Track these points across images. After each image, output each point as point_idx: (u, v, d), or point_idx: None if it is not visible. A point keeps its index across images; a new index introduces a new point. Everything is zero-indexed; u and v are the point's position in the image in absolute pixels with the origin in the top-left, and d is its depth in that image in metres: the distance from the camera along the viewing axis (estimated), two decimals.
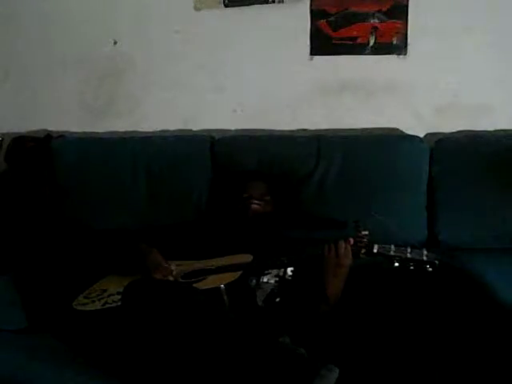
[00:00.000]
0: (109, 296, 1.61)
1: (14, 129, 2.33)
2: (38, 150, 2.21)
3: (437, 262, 1.41)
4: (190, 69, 2.25)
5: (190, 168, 2.09)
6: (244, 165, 2.04)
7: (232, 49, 2.20)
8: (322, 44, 2.15)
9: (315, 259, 1.55)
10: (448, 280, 1.64)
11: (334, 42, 2.14)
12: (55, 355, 1.57)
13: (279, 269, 1.67)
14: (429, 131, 2.13)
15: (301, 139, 2.11)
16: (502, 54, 2.08)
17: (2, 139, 2.29)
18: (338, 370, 1.27)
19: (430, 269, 1.42)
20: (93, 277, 1.74)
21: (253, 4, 2.14)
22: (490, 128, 2.11)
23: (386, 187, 1.96)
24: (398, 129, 2.16)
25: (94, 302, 1.61)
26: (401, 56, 2.13)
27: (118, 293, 1.55)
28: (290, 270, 1.67)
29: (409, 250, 1.45)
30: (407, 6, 2.08)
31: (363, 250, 1.51)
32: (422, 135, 2.09)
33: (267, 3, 2.13)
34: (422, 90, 2.14)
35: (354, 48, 2.14)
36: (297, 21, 2.14)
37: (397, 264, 1.45)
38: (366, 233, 1.53)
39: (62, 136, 2.27)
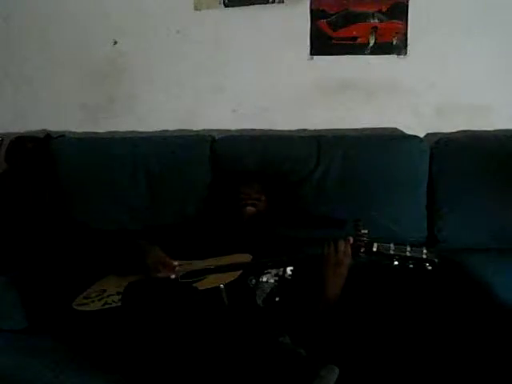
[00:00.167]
0: (108, 296, 1.61)
1: (14, 129, 2.33)
2: (37, 150, 2.21)
3: (436, 260, 1.41)
4: (190, 69, 2.25)
5: (190, 168, 2.09)
6: (244, 165, 2.04)
7: (232, 49, 2.21)
8: (321, 44, 2.15)
9: (315, 258, 1.56)
10: (447, 279, 1.64)
11: (333, 41, 2.14)
12: (55, 355, 1.57)
13: (279, 268, 1.67)
14: (429, 131, 2.13)
15: (301, 139, 2.11)
16: (502, 54, 2.08)
17: (2, 139, 2.29)
18: (337, 370, 1.27)
19: (430, 267, 1.42)
20: (92, 277, 1.74)
21: (253, 4, 2.14)
22: (490, 128, 2.11)
23: (385, 187, 1.96)
24: (397, 129, 2.16)
25: (93, 302, 1.61)
26: (401, 56, 2.12)
27: (118, 293, 1.55)
28: (289, 269, 1.67)
29: (408, 248, 1.45)
30: (407, 6, 2.08)
31: (363, 249, 1.51)
32: (422, 135, 2.09)
33: (267, 3, 2.13)
34: (421, 90, 2.14)
35: (354, 48, 2.14)
36: (297, 21, 2.14)
37: (396, 263, 1.45)
38: (366, 232, 1.53)
39: (62, 136, 2.27)
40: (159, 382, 1.39)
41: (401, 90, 2.15)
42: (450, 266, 1.69)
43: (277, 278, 1.65)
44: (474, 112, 2.13)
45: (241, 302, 1.56)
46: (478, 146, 2.00)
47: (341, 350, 1.42)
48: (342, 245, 1.51)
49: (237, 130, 2.25)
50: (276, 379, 1.26)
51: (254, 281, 1.64)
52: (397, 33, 2.10)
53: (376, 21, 2.11)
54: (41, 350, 1.61)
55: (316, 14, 2.13)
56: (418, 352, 1.44)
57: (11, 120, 2.37)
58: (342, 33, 2.14)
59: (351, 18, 2.12)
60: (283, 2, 2.13)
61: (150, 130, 2.30)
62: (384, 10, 2.10)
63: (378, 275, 1.65)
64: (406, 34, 2.10)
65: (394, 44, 2.12)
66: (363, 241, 1.52)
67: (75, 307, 1.61)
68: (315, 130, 2.20)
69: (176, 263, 1.63)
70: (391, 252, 1.46)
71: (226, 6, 2.16)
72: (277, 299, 1.61)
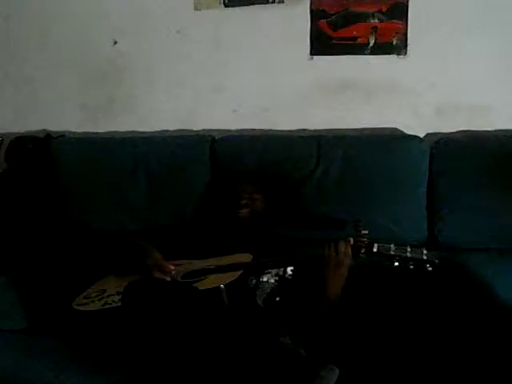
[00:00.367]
0: (108, 296, 1.61)
1: (14, 129, 2.33)
2: (37, 150, 2.21)
3: (437, 261, 1.41)
4: (189, 69, 2.25)
5: (190, 168, 2.09)
6: (244, 165, 2.04)
7: (232, 49, 2.20)
8: (321, 44, 2.15)
9: (315, 259, 1.55)
10: (448, 279, 1.64)
11: (334, 41, 2.14)
12: (55, 355, 1.57)
13: (279, 268, 1.67)
14: (429, 131, 2.13)
15: (301, 139, 2.11)
16: (502, 54, 2.08)
17: (2, 139, 2.29)
18: (337, 371, 1.27)
19: (430, 268, 1.42)
20: (92, 277, 1.74)
21: (253, 4, 2.14)
22: (490, 128, 2.11)
23: (385, 187, 1.96)
24: (397, 129, 2.16)
25: (93, 302, 1.61)
26: (401, 56, 2.12)
27: (118, 293, 1.56)
28: (289, 269, 1.67)
29: (409, 249, 1.45)
30: (407, 6, 2.07)
31: (363, 250, 1.51)
32: (422, 135, 2.08)
33: (267, 3, 2.13)
34: (421, 90, 2.14)
35: (354, 48, 2.14)
36: (297, 21, 2.14)
37: (397, 263, 1.45)
38: (366, 232, 1.53)
39: (62, 136, 2.27)
40: (159, 381, 1.39)
41: (401, 90, 2.15)
42: (451, 267, 1.69)
43: (277, 278, 1.65)
44: (474, 112, 2.13)
45: (241, 301, 1.56)
46: (478, 145, 1.99)
47: (341, 351, 1.42)
48: (342, 245, 1.51)
49: (237, 130, 2.25)
50: (276, 379, 1.26)
51: (254, 281, 1.64)
52: (397, 33, 2.10)
53: (376, 21, 2.11)
54: (41, 349, 1.61)
55: (316, 14, 2.13)
56: (418, 352, 1.44)
57: (11, 120, 2.37)
58: (342, 33, 2.13)
59: (351, 18, 2.12)
60: (283, 2, 2.13)
61: (150, 130, 2.30)
62: (384, 10, 2.09)
63: (379, 276, 1.65)
64: (406, 34, 2.10)
65: (394, 44, 2.11)
66: (363, 241, 1.52)
67: (75, 307, 1.61)
68: (315, 130, 2.20)
69: (172, 267, 1.62)
70: (391, 253, 1.46)
71: (226, 5, 2.16)
72: (277, 299, 1.61)
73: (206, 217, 2.01)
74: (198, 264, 1.67)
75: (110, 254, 1.74)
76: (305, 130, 2.22)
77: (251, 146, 2.08)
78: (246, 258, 1.66)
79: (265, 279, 1.65)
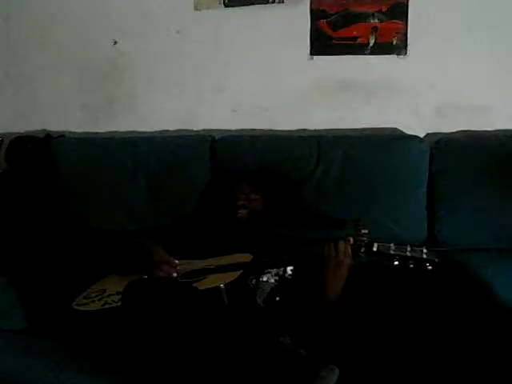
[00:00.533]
0: (108, 296, 1.61)
1: (14, 129, 2.33)
2: (37, 150, 2.21)
3: (437, 260, 1.41)
4: (190, 69, 2.25)
5: (190, 168, 2.09)
6: (244, 165, 2.04)
7: (232, 49, 2.20)
8: (321, 44, 2.15)
9: (315, 258, 1.55)
10: (448, 279, 1.64)
11: (334, 41, 2.14)
12: (55, 355, 1.57)
13: (279, 268, 1.67)
14: (429, 131, 2.13)
15: (301, 139, 2.11)
16: (502, 54, 2.08)
17: (2, 139, 2.29)
18: (337, 371, 1.27)
19: (430, 267, 1.42)
20: (92, 277, 1.74)
21: (253, 4, 2.14)
22: (490, 128, 2.11)
23: (385, 187, 1.96)
24: (397, 129, 2.16)
25: (93, 302, 1.61)
26: (401, 56, 2.12)
27: (118, 293, 1.55)
28: (289, 269, 1.67)
29: (408, 248, 1.45)
30: (407, 6, 2.08)
31: (363, 249, 1.51)
32: (422, 135, 2.09)
33: (267, 3, 2.13)
34: (421, 90, 2.14)
35: (354, 48, 2.14)
36: (297, 21, 2.14)
37: (396, 262, 1.45)
38: (366, 232, 1.53)
39: (62, 136, 2.27)
40: (159, 382, 1.39)
41: (401, 90, 2.15)
42: (450, 266, 1.69)
43: (277, 278, 1.65)
44: (474, 112, 2.13)
45: (241, 301, 1.56)
46: (478, 145, 1.99)
47: (341, 351, 1.42)
48: (342, 245, 1.51)
49: (237, 130, 2.25)
50: (276, 379, 1.26)
51: (254, 280, 1.64)
52: (397, 33, 2.10)
53: (376, 21, 2.11)
54: (41, 349, 1.61)
55: (316, 14, 2.13)
56: (418, 352, 1.44)
57: (11, 120, 2.37)
58: (342, 33, 2.13)
59: (351, 18, 2.12)
60: (283, 2, 2.13)
61: (150, 130, 2.30)
62: (384, 10, 2.09)
63: (379, 275, 1.65)
64: (406, 34, 2.10)
65: (394, 44, 2.12)
66: (363, 241, 1.52)
67: (75, 307, 1.61)
68: (315, 130, 2.20)
69: (177, 261, 1.63)
70: (391, 252, 1.46)
71: (226, 6, 2.16)
72: (277, 299, 1.61)
73: (206, 217, 2.01)
74: (198, 264, 1.66)
75: (111, 253, 1.74)
76: (305, 130, 2.22)
77: (251, 145, 2.08)
78: (245, 257, 1.66)
79: (265, 279, 1.65)
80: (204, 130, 2.27)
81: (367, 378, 1.37)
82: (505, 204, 1.92)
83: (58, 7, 2.26)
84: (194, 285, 1.55)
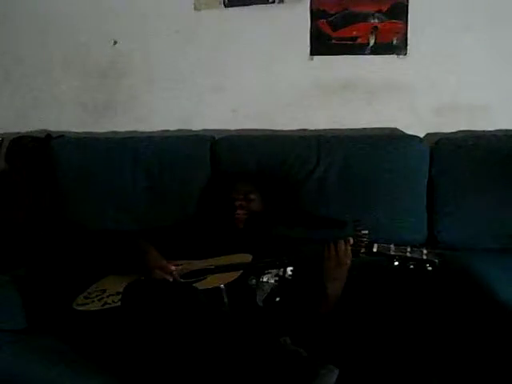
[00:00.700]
0: (108, 296, 1.61)
1: (14, 129, 2.33)
2: (37, 149, 2.21)
3: (437, 260, 1.41)
4: (189, 69, 2.25)
5: (190, 168, 2.09)
6: (244, 165, 2.04)
7: (232, 49, 2.20)
8: (321, 44, 2.15)
9: (315, 259, 1.55)
10: (448, 279, 1.64)
11: (333, 41, 2.14)
12: (55, 355, 1.57)
13: (279, 268, 1.67)
14: (429, 131, 2.13)
15: (301, 139, 2.11)
16: (502, 54, 2.08)
17: (2, 139, 2.29)
18: (337, 370, 1.27)
19: (430, 268, 1.42)
20: (92, 277, 1.74)
21: (253, 4, 2.14)
22: (490, 128, 2.11)
23: (385, 187, 1.96)
24: (397, 129, 2.16)
25: (93, 302, 1.61)
26: (401, 56, 2.12)
27: (118, 293, 1.55)
28: (289, 269, 1.67)
29: (409, 249, 1.45)
30: (407, 6, 2.08)
31: (363, 250, 1.51)
32: (422, 135, 2.09)
33: (267, 3, 2.13)
34: (422, 90, 2.14)
35: (354, 48, 2.14)
36: (297, 21, 2.14)
37: (397, 263, 1.44)
38: (366, 232, 1.53)
39: (61, 136, 2.27)
40: (159, 381, 1.39)
41: (401, 90, 2.15)
42: (450, 267, 1.69)
43: (277, 278, 1.65)
44: (473, 112, 2.13)
45: (241, 302, 1.56)
46: (478, 145, 1.99)
47: (341, 351, 1.42)
48: (342, 245, 1.51)
49: (237, 130, 2.25)
50: (276, 379, 1.26)
51: (254, 281, 1.64)
52: (397, 33, 2.10)
53: (376, 21, 2.11)
54: (41, 349, 1.60)
55: (316, 14, 2.13)
56: (418, 352, 1.44)
57: (11, 120, 2.37)
58: (342, 33, 2.13)
59: (351, 18, 2.12)
60: (283, 2, 2.13)
61: (150, 130, 2.30)
62: (384, 10, 2.10)
63: (379, 276, 1.65)
64: (406, 34, 2.10)
65: (394, 44, 2.12)
66: (363, 241, 1.52)
67: (75, 307, 1.61)
68: (315, 130, 2.20)
69: (173, 267, 1.62)
70: (391, 253, 1.45)
71: (225, 6, 2.16)
72: (277, 299, 1.61)
73: (206, 217, 2.01)
74: (198, 264, 1.66)
75: (109, 254, 1.74)
76: (305, 129, 2.22)
77: (251, 145, 2.08)
78: (245, 258, 1.66)
79: (265, 279, 1.64)
80: (204, 130, 2.27)
81: (367, 377, 1.36)
82: (505, 204, 1.92)
83: (58, 7, 2.25)
84: (194, 285, 1.55)
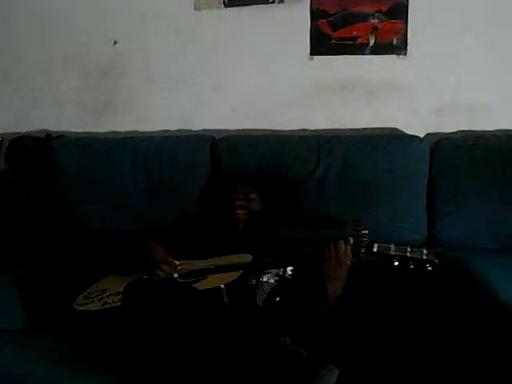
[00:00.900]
0: (108, 296, 1.62)
1: (14, 129, 2.33)
2: (37, 149, 2.21)
3: (437, 260, 1.41)
4: (189, 69, 2.25)
5: (190, 168, 2.09)
6: (244, 165, 2.04)
7: (232, 49, 2.20)
8: (321, 44, 2.15)
9: (315, 259, 1.55)
10: (448, 279, 1.64)
11: (333, 41, 2.14)
12: (55, 355, 1.57)
13: (279, 268, 1.67)
14: (429, 131, 2.13)
15: (301, 139, 2.11)
16: (502, 54, 2.08)
17: (2, 139, 2.29)
18: (337, 370, 1.27)
19: (430, 268, 1.42)
20: (92, 277, 1.74)
21: (253, 4, 2.14)
22: (490, 128, 2.11)
23: (385, 187, 1.96)
24: (397, 129, 2.16)
25: (93, 302, 1.61)
26: (401, 56, 2.12)
27: (118, 293, 1.55)
28: (289, 269, 1.67)
29: (409, 249, 1.45)
30: (407, 6, 2.08)
31: (363, 250, 1.51)
32: (422, 135, 2.09)
33: (267, 3, 2.13)
34: (422, 90, 2.14)
35: (354, 48, 2.14)
36: (297, 21, 2.14)
37: (397, 263, 1.44)
38: (366, 232, 1.53)
39: (61, 136, 2.27)
40: (159, 381, 1.39)
41: (401, 90, 2.15)
42: (451, 267, 1.69)
43: (277, 278, 1.65)
44: (473, 112, 2.13)
45: (241, 302, 1.56)
46: (478, 146, 1.99)
47: (341, 350, 1.42)
48: (342, 245, 1.51)
49: (237, 130, 2.25)
50: (276, 379, 1.26)
51: (254, 281, 1.64)
52: (397, 33, 2.10)
53: (376, 21, 2.11)
54: (41, 349, 1.61)
55: (316, 14, 2.13)
56: (418, 352, 1.44)
57: (11, 120, 2.36)
58: (342, 33, 2.13)
59: (351, 18, 2.12)
60: (283, 2, 2.13)
61: (150, 130, 2.30)
62: (384, 10, 2.10)
63: (379, 276, 1.65)
64: (406, 34, 2.10)
65: (393, 44, 2.12)
66: (363, 241, 1.52)
67: (75, 307, 1.61)
68: (315, 130, 2.20)
69: (177, 262, 1.62)
70: (391, 253, 1.45)
71: (225, 6, 2.16)
72: (277, 299, 1.61)
73: (206, 217, 2.01)
74: (198, 264, 1.66)
75: (111, 253, 1.74)
76: (305, 130, 2.22)
77: (251, 145, 2.08)
78: (245, 258, 1.66)
79: (265, 279, 1.65)
80: (204, 130, 2.27)
81: (367, 377, 1.37)
82: (505, 204, 1.92)
83: (58, 7, 2.25)
84: (194, 285, 1.55)
